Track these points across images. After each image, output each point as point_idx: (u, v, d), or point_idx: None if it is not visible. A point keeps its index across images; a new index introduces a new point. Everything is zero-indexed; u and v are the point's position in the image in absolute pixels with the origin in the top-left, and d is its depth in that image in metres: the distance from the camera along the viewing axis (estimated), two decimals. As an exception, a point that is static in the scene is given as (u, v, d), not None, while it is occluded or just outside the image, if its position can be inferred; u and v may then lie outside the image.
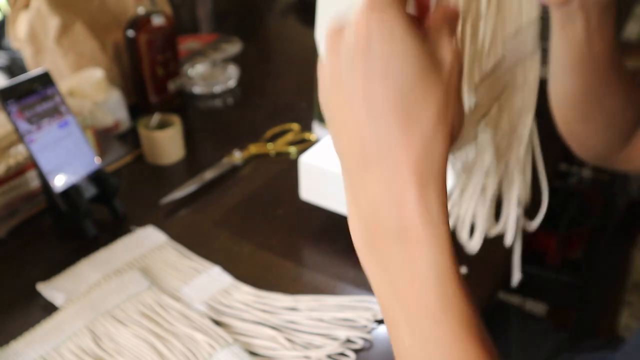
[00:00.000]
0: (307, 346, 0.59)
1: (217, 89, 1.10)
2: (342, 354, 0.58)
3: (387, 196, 0.34)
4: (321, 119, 0.91)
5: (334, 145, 0.38)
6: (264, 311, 0.62)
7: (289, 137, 0.94)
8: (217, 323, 0.61)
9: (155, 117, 0.89)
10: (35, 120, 0.70)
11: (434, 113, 0.34)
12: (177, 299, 0.64)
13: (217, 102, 1.08)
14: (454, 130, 0.36)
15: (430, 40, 0.35)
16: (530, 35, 0.51)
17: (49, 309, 0.63)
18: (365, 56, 0.33)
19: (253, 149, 0.90)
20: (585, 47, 0.56)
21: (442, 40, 0.35)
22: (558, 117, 0.65)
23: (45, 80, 0.72)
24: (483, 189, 0.55)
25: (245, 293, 0.64)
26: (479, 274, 0.68)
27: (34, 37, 0.94)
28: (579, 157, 0.69)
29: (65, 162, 0.72)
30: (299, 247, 0.73)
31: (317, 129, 0.93)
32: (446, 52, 0.35)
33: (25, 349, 0.58)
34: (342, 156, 0.37)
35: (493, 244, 0.72)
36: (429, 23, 0.35)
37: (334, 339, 0.59)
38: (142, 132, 0.87)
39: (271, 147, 0.91)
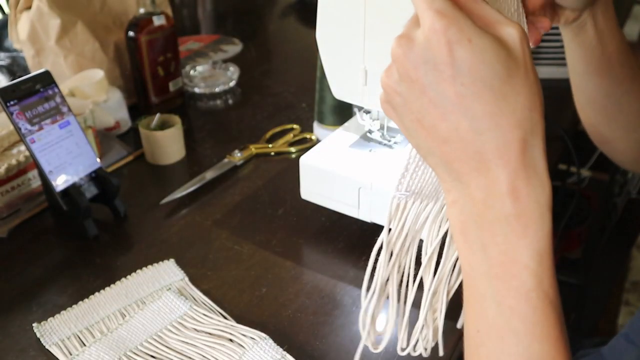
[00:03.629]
0: None
1: (218, 89, 1.10)
2: None
3: (500, 188, 0.36)
4: (321, 120, 0.91)
5: (418, 149, 0.40)
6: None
7: (289, 137, 0.94)
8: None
9: (156, 118, 0.89)
10: (37, 120, 0.70)
11: (526, 98, 0.35)
12: None
13: (218, 103, 1.09)
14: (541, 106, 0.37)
15: (492, 27, 0.36)
16: None
17: (50, 309, 0.64)
18: (452, 63, 0.34)
19: (253, 149, 0.91)
20: (598, 50, 0.59)
21: (500, 22, 0.36)
22: (586, 125, 0.68)
23: (46, 80, 0.72)
24: None
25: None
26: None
27: (35, 37, 0.94)
28: (617, 164, 0.73)
29: (66, 162, 0.72)
30: (299, 247, 0.73)
31: (317, 129, 0.93)
32: (512, 31, 0.36)
33: (60, 326, 0.61)
34: (438, 158, 0.38)
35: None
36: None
37: None
38: (143, 132, 0.88)
39: (271, 147, 0.92)
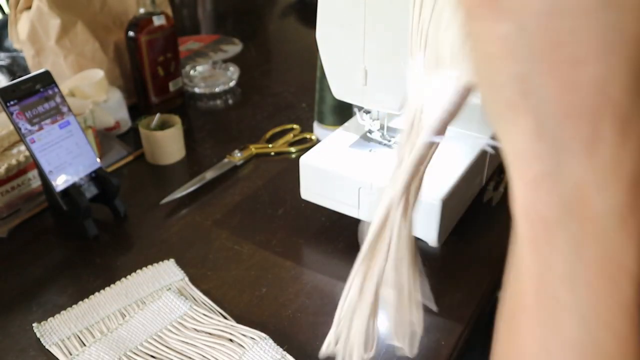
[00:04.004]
0: None
1: (218, 89, 1.10)
2: None
3: (624, 171, 0.27)
4: (321, 120, 0.91)
5: (520, 79, 0.25)
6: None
7: (289, 137, 0.94)
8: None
9: (156, 118, 0.90)
10: (37, 120, 0.70)
11: None
12: None
13: (218, 103, 1.09)
14: None
15: None
16: None
17: (50, 309, 0.64)
18: None
19: (253, 149, 0.91)
20: None
21: None
22: None
23: (46, 80, 0.72)
24: None
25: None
26: (479, 273, 0.68)
27: (35, 37, 0.95)
28: None
29: (66, 162, 0.72)
30: (299, 247, 0.73)
31: (317, 129, 0.93)
32: None
33: (60, 326, 0.61)
34: (547, 106, 0.26)
35: (492, 243, 0.72)
36: None
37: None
38: (143, 132, 0.88)
39: (271, 147, 0.92)
